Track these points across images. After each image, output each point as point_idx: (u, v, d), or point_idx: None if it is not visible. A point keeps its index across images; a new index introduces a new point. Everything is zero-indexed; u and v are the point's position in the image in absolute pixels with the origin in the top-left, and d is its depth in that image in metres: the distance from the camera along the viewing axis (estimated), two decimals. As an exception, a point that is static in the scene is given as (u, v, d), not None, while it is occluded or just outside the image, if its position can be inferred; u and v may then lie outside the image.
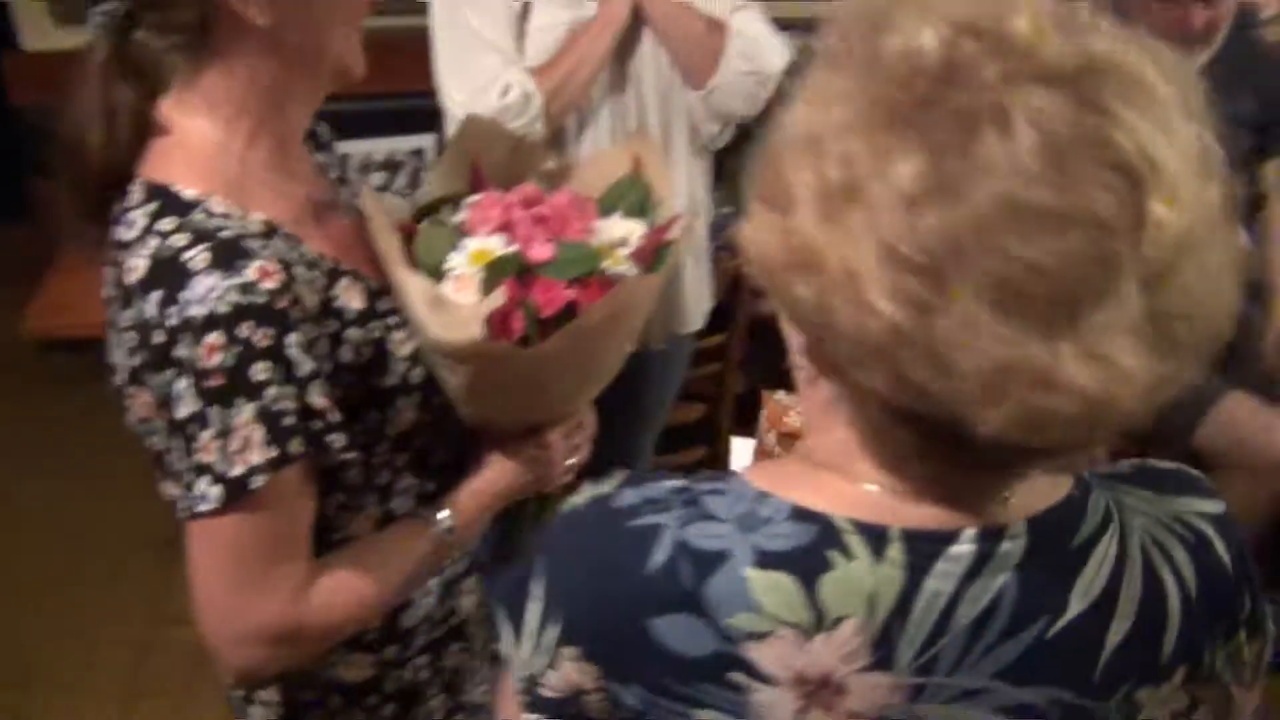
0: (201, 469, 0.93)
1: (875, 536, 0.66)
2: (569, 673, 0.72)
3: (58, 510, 3.00)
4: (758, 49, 1.85)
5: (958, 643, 0.67)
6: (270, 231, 0.99)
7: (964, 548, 0.67)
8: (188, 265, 0.92)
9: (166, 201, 0.97)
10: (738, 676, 0.67)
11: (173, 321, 0.92)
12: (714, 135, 1.97)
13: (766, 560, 0.67)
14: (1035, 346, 0.57)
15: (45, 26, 3.21)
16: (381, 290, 1.07)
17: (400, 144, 2.86)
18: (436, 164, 1.26)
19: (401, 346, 1.07)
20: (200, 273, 0.92)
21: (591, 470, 1.52)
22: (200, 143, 1.01)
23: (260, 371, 0.92)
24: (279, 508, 0.97)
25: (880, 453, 0.68)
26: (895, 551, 0.66)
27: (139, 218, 0.97)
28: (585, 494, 0.76)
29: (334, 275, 1.04)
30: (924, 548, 0.66)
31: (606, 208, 1.15)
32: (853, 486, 0.69)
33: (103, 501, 2.98)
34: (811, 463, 0.71)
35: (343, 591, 1.03)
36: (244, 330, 0.91)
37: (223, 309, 0.91)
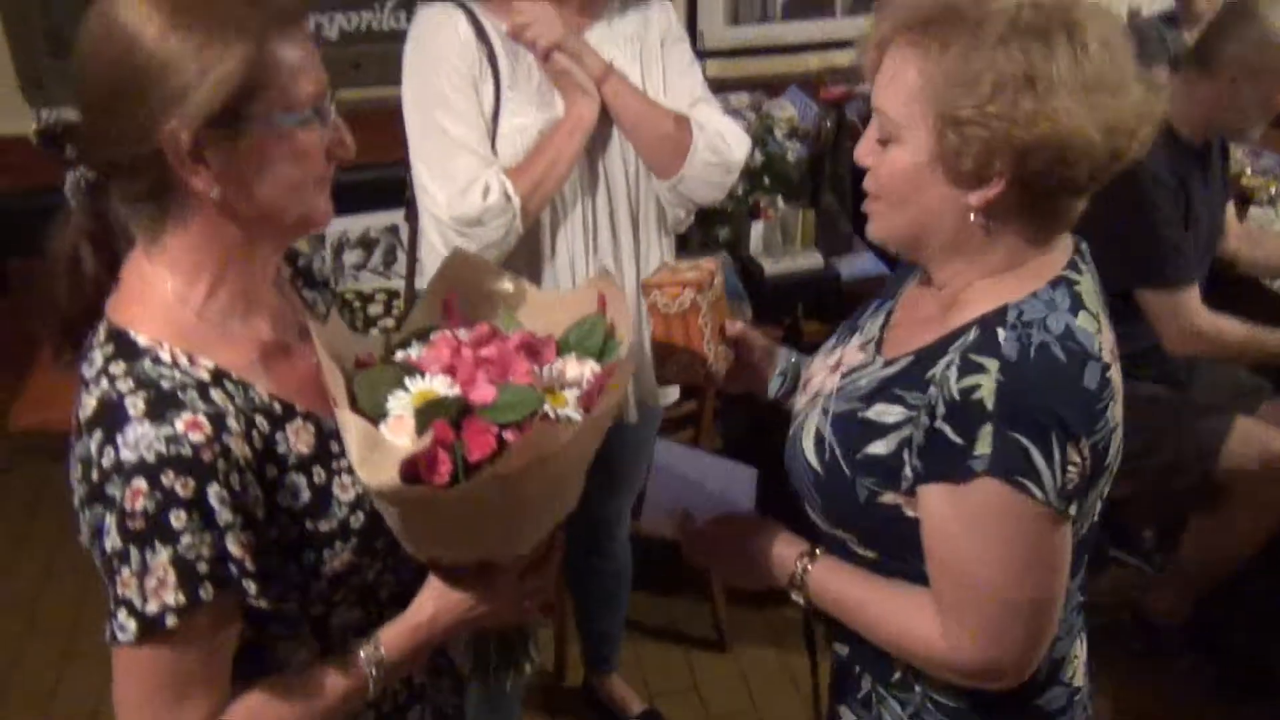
0: (121, 601, 0.98)
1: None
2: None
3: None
4: (722, 141, 1.91)
5: None
6: (218, 379, 1.04)
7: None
8: (126, 411, 0.98)
9: (120, 345, 1.04)
10: None
11: (106, 462, 0.97)
12: (680, 220, 2.03)
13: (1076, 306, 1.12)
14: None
15: (16, 105, 3.23)
16: (335, 432, 1.09)
17: (375, 220, 2.89)
18: (423, 296, 1.28)
19: (345, 491, 1.10)
20: (134, 420, 0.97)
21: (571, 535, 1.58)
22: (160, 293, 1.06)
23: (178, 519, 0.97)
24: (191, 645, 1.01)
25: (1038, 235, 1.14)
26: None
27: (98, 357, 1.03)
28: None
29: (283, 419, 1.07)
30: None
31: (566, 346, 1.17)
32: (1049, 256, 1.16)
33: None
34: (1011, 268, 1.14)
35: None
36: (167, 479, 0.96)
37: (150, 457, 0.96)
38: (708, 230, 3.06)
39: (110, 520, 0.97)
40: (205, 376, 1.03)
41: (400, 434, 1.03)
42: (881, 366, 1.21)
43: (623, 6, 1.94)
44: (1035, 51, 1.03)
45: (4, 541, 3.19)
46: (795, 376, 1.45)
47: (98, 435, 0.98)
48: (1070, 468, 1.06)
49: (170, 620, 0.97)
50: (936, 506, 1.11)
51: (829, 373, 1.30)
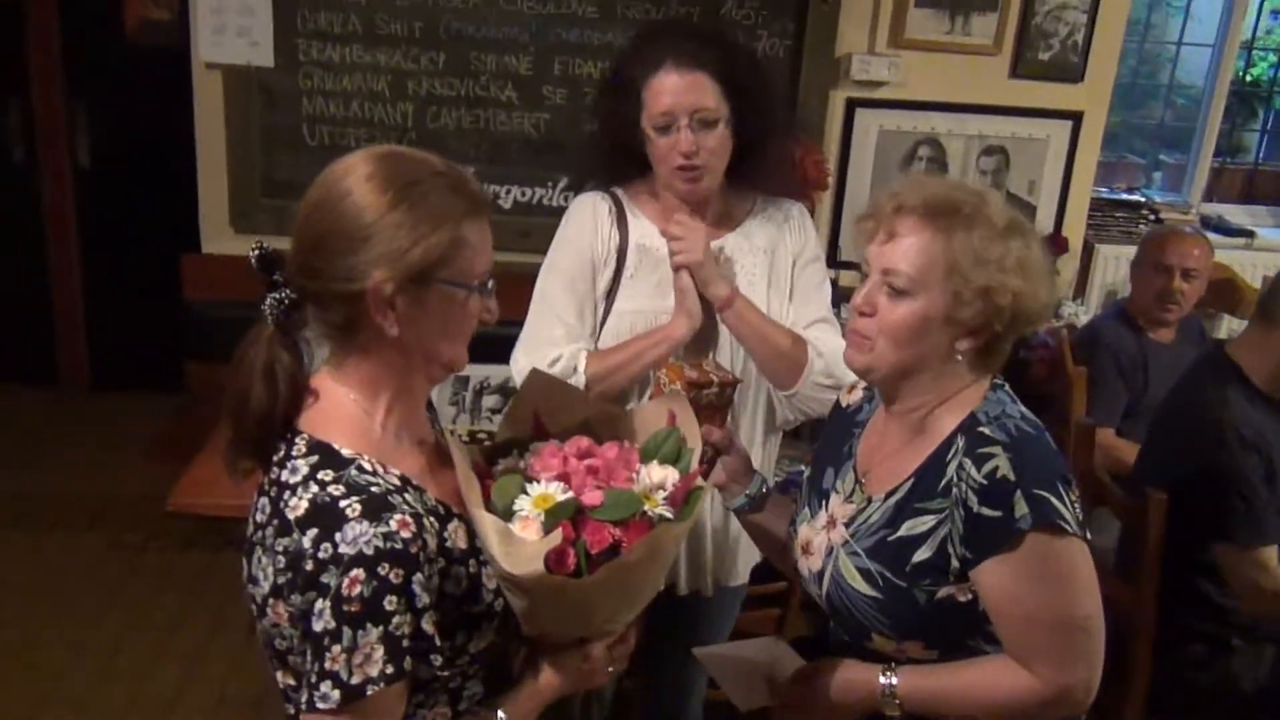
0: (326, 674, 1.15)
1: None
2: None
3: (159, 668, 3.19)
4: (836, 365, 1.95)
5: None
6: (404, 484, 1.26)
7: None
8: (344, 512, 1.17)
9: (325, 456, 1.23)
10: None
11: (324, 555, 1.15)
12: (789, 421, 2.12)
13: (1014, 402, 1.48)
14: None
15: (225, 233, 3.66)
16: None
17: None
18: (505, 413, 1.51)
19: (489, 581, 1.30)
20: (353, 520, 1.16)
21: (648, 705, 1.69)
22: (350, 411, 1.28)
23: (390, 604, 1.15)
24: (381, 713, 1.19)
25: (986, 368, 1.46)
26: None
27: (302, 465, 1.23)
28: None
29: (446, 519, 1.28)
30: None
31: (647, 455, 1.38)
32: (980, 378, 1.46)
33: (197, 663, 3.19)
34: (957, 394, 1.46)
35: None
36: (383, 569, 1.15)
37: (368, 551, 1.15)
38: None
39: (323, 604, 1.14)
40: (396, 482, 1.24)
41: (529, 531, 1.23)
42: (883, 500, 1.47)
43: (763, 218, 2.07)
44: (1018, 243, 1.41)
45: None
46: (761, 501, 1.69)
47: (312, 533, 1.16)
48: (1076, 504, 1.38)
49: (370, 690, 1.15)
50: (996, 578, 1.38)
51: (828, 530, 1.53)
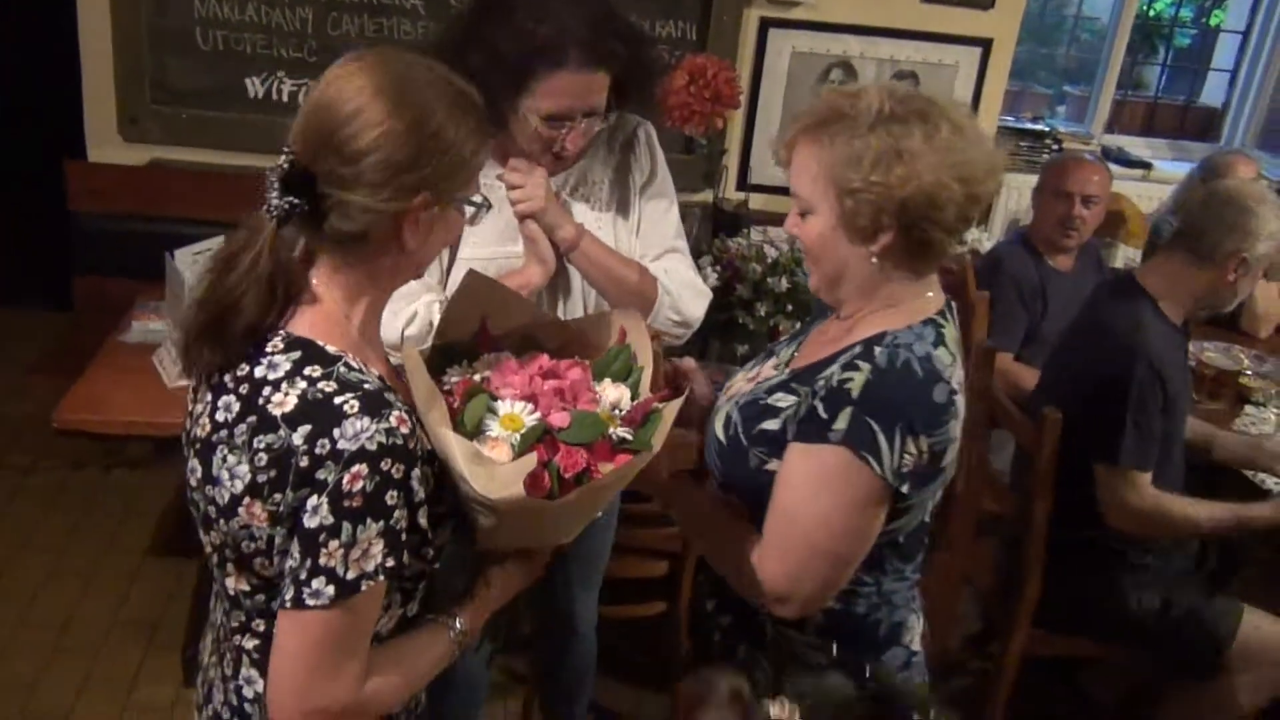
0: (320, 570, 1.15)
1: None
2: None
3: (50, 589, 3.11)
4: (684, 301, 1.98)
5: None
6: (384, 385, 1.23)
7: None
8: (341, 408, 1.16)
9: (310, 351, 1.21)
10: None
11: (320, 451, 1.14)
12: None
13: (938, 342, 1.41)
14: None
15: (113, 140, 3.49)
16: None
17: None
18: (443, 314, 1.47)
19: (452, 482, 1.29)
20: (352, 416, 1.15)
21: (540, 629, 1.66)
22: (333, 311, 1.26)
23: (391, 498, 1.16)
24: (367, 609, 1.20)
25: (923, 272, 1.45)
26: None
27: (282, 361, 1.20)
28: None
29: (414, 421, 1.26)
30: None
31: (598, 373, 1.38)
32: (923, 302, 1.45)
33: (89, 583, 3.11)
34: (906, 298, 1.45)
35: (387, 682, 1.25)
36: (385, 464, 1.15)
37: (371, 446, 1.14)
38: (725, 344, 3.23)
39: (319, 500, 1.14)
40: (379, 382, 1.22)
41: (499, 452, 1.23)
42: (786, 373, 1.50)
43: (606, 147, 2.01)
44: (897, 132, 1.36)
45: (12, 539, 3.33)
46: None
47: (305, 429, 1.15)
48: (907, 455, 1.36)
49: (365, 585, 1.15)
50: (790, 460, 1.42)
51: (746, 382, 1.59)
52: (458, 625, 1.34)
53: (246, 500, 1.19)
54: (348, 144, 1.18)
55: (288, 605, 1.16)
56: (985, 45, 3.81)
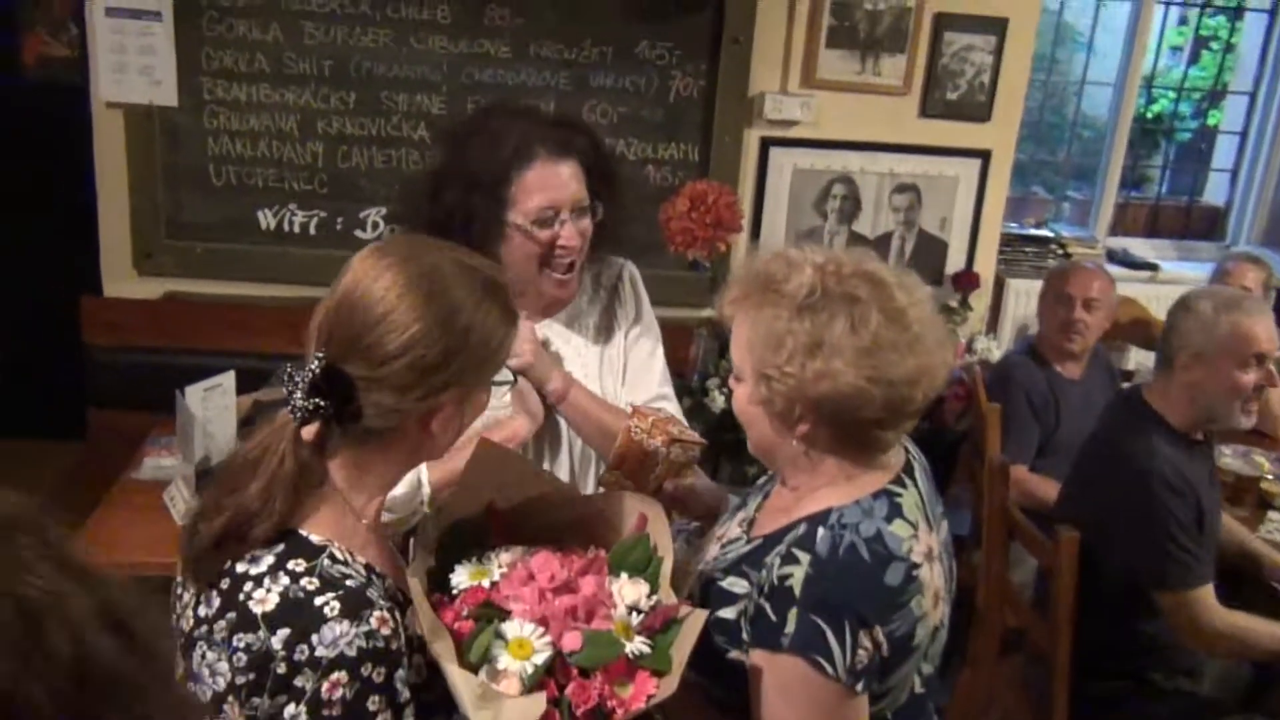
0: None
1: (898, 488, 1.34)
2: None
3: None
4: None
5: None
6: (369, 572, 1.20)
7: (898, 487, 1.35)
8: (321, 611, 1.11)
9: (293, 544, 1.17)
10: None
11: (299, 658, 1.09)
12: None
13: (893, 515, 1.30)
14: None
15: (128, 275, 3.55)
16: None
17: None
18: (458, 485, 1.43)
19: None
20: (332, 620, 1.10)
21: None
22: (333, 500, 1.22)
23: (373, 704, 1.11)
24: None
25: (858, 458, 1.35)
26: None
27: (265, 555, 1.16)
28: None
29: (404, 605, 1.22)
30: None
31: (615, 565, 1.33)
32: (875, 474, 1.35)
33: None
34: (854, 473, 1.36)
35: None
36: (366, 670, 1.10)
37: (351, 652, 1.10)
38: (736, 466, 3.20)
39: (297, 709, 1.09)
40: (364, 572, 1.18)
41: (508, 684, 1.18)
42: (744, 544, 1.41)
43: (592, 292, 2.00)
44: (821, 321, 1.29)
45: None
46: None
47: (284, 633, 1.10)
48: (861, 651, 1.25)
49: None
50: (757, 670, 1.30)
51: (717, 542, 1.49)
52: None
53: (229, 699, 1.14)
54: (378, 347, 1.17)
55: None
56: (984, 156, 3.86)
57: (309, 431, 1.20)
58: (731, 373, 1.41)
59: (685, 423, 1.84)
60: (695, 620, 1.27)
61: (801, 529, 1.33)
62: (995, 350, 3.80)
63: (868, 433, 1.34)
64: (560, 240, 1.81)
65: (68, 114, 3.56)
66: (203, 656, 1.16)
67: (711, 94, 3.63)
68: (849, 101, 3.71)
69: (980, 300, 3.98)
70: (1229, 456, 3.22)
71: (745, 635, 1.33)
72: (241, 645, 1.12)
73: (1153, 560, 2.31)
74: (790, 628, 1.26)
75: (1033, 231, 4.38)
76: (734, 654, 1.35)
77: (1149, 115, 4.99)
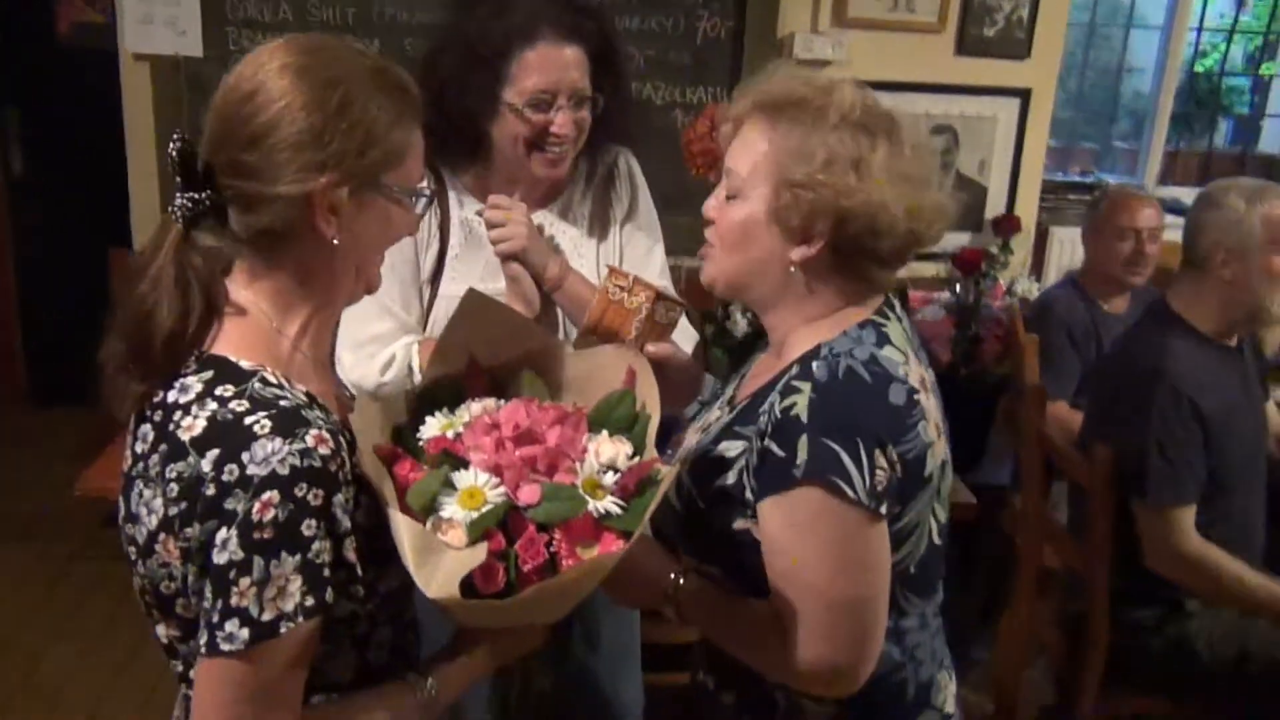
0: (232, 611, 1.02)
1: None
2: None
3: (79, 679, 3.05)
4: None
5: None
6: (311, 401, 1.12)
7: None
8: (251, 429, 1.03)
9: (221, 370, 1.09)
10: None
11: (228, 478, 1.02)
12: None
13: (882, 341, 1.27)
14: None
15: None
16: None
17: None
18: (438, 342, 1.34)
19: None
20: (263, 437, 1.03)
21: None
22: (259, 322, 1.14)
23: (308, 528, 1.03)
24: (292, 656, 1.05)
25: (851, 293, 1.30)
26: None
27: (194, 382, 1.09)
28: None
29: (352, 445, 1.14)
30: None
31: (596, 422, 1.23)
32: (858, 309, 1.31)
33: (120, 673, 3.06)
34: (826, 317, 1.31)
35: None
36: (300, 490, 1.02)
37: (283, 470, 1.02)
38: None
39: (228, 533, 1.01)
40: (303, 399, 1.11)
41: (455, 535, 1.09)
42: (729, 414, 1.35)
43: (587, 179, 1.94)
44: (862, 141, 1.24)
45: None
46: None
47: (213, 454, 1.03)
48: (879, 471, 1.19)
49: (284, 627, 1.02)
50: (769, 519, 1.24)
51: (695, 433, 1.41)
52: (427, 686, 1.18)
53: (161, 536, 1.07)
54: (246, 124, 1.08)
55: (202, 651, 1.03)
56: (1024, 95, 3.74)
57: (204, 242, 1.12)
58: (723, 192, 1.33)
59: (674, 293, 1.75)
60: (667, 477, 1.18)
61: (794, 369, 1.27)
62: (1036, 290, 3.67)
63: (870, 266, 1.29)
64: (554, 127, 1.75)
65: (99, 75, 3.58)
66: (140, 495, 1.10)
67: (740, 34, 3.55)
68: (882, 40, 3.60)
69: (1022, 244, 3.86)
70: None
71: (749, 493, 1.26)
72: (173, 475, 1.05)
73: (1133, 464, 2.20)
74: (802, 456, 1.19)
75: (1078, 179, 4.24)
76: (739, 524, 1.28)
77: (1198, 69, 4.82)
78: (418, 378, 1.68)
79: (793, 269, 1.28)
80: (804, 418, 1.20)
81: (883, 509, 1.20)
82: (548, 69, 1.72)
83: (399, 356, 1.75)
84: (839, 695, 1.28)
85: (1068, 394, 3.06)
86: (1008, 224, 3.76)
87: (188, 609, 1.09)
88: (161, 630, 1.16)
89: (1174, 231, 3.83)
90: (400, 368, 1.74)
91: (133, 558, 1.13)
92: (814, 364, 1.25)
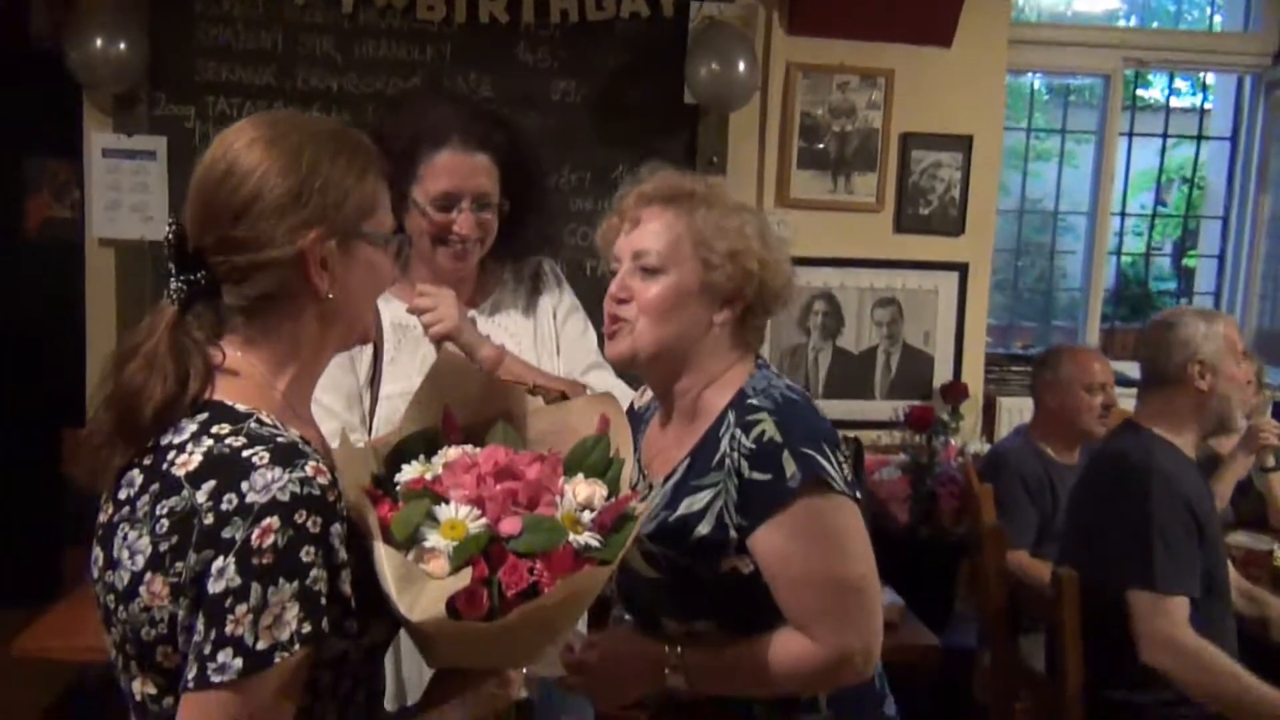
0: (226, 641, 1.01)
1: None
2: None
3: None
4: None
5: None
6: (305, 444, 1.14)
7: None
8: (250, 460, 1.05)
9: (218, 411, 1.12)
10: None
11: (226, 507, 1.03)
12: None
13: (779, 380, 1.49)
14: None
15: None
16: None
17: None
18: (413, 399, 1.37)
19: None
20: (262, 467, 1.05)
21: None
22: (252, 377, 1.18)
23: (307, 555, 1.03)
24: (284, 688, 1.04)
25: (746, 347, 1.51)
26: None
27: (188, 424, 1.11)
28: None
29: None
30: None
31: (572, 466, 1.26)
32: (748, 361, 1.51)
33: None
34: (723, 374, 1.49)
35: None
36: (300, 517, 1.04)
37: (283, 497, 1.03)
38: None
39: (225, 561, 1.01)
40: (298, 439, 1.13)
41: (437, 565, 1.10)
42: (662, 485, 1.46)
43: (514, 283, 2.06)
44: (754, 219, 1.50)
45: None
46: None
47: (209, 485, 1.04)
48: (843, 466, 1.39)
49: (278, 657, 1.01)
50: (771, 543, 1.36)
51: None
52: None
53: (147, 577, 1.06)
54: (229, 200, 1.14)
55: (190, 687, 1.01)
56: (962, 269, 3.92)
57: (203, 318, 1.18)
58: (640, 272, 1.48)
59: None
60: (643, 510, 1.23)
61: (732, 413, 1.42)
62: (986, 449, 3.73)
63: (762, 321, 1.52)
64: (455, 226, 1.87)
65: (62, 265, 3.67)
66: (124, 538, 1.09)
67: (689, 214, 3.72)
68: (824, 219, 3.79)
69: (971, 410, 3.94)
70: (1241, 535, 3.12)
71: (734, 531, 1.38)
72: (164, 511, 1.06)
73: (1137, 556, 2.21)
74: (790, 469, 1.35)
75: (1021, 353, 4.38)
76: (726, 564, 1.39)
77: (1125, 258, 5.08)
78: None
79: (716, 329, 1.47)
80: (779, 437, 1.36)
81: (857, 495, 1.39)
82: (453, 174, 1.86)
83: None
84: (868, 677, 1.43)
85: (1028, 543, 3.07)
86: (955, 390, 3.85)
87: (168, 657, 1.08)
88: (136, 686, 1.13)
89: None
90: (391, 421, 1.74)
91: (111, 606, 1.12)
92: (751, 400, 1.42)
